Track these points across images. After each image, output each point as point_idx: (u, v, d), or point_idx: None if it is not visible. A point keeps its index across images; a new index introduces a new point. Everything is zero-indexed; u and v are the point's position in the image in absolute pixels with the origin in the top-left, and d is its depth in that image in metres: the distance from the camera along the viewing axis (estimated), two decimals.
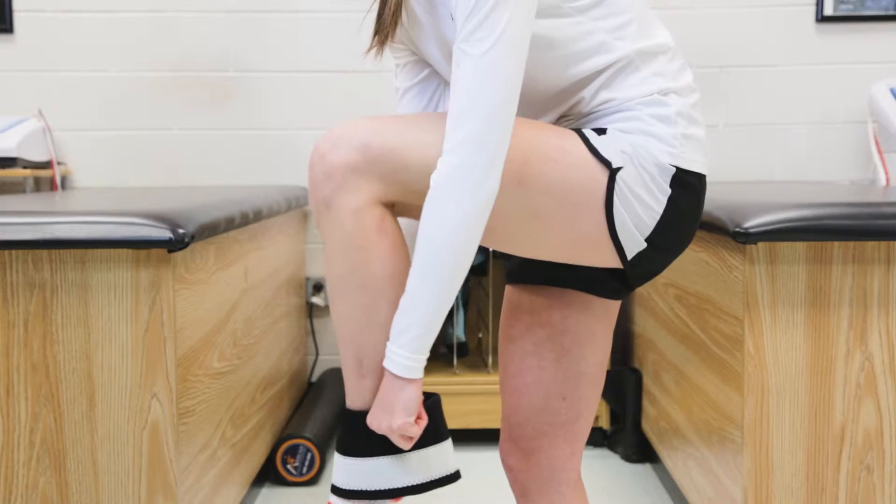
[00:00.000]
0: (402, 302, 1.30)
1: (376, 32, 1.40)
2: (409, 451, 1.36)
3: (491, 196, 1.26)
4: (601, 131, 1.38)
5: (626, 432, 3.10)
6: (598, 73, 1.37)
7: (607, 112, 1.39)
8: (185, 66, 3.57)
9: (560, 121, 1.46)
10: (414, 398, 1.31)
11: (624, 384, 3.08)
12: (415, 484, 1.37)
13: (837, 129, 3.58)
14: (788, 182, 3.43)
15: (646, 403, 3.01)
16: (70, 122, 3.56)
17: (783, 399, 1.85)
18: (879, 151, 3.29)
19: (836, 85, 3.56)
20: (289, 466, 2.88)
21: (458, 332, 3.29)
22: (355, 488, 1.36)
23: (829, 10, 3.53)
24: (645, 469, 3.02)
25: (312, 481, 2.90)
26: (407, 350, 1.30)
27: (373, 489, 1.36)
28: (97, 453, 1.82)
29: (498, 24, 1.23)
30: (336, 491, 1.38)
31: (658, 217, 1.37)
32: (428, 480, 1.37)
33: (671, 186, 1.36)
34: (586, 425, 1.58)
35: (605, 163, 1.35)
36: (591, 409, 1.58)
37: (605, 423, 3.24)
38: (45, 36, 3.54)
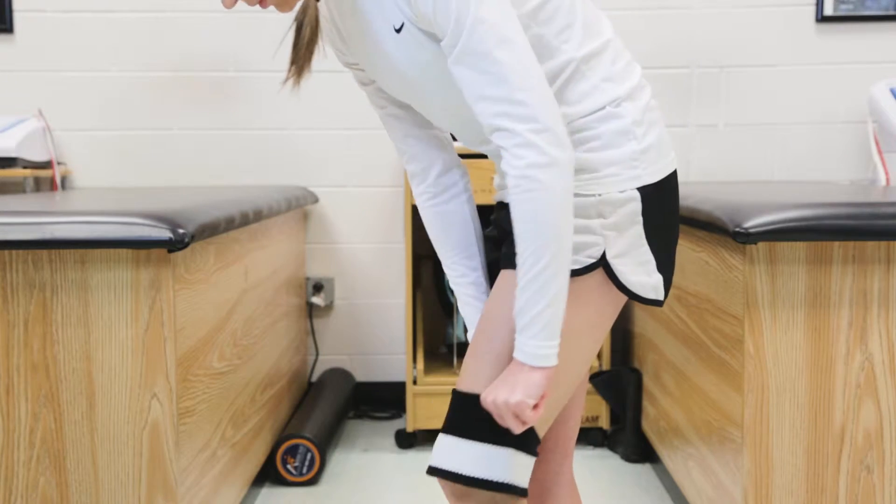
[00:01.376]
0: (522, 295, 1.28)
1: (292, 62, 1.40)
2: (506, 446, 1.35)
3: (568, 167, 1.25)
4: None
5: (626, 432, 3.10)
6: (549, 81, 1.35)
7: (567, 132, 1.38)
8: (185, 66, 3.57)
9: None
10: (540, 384, 1.30)
11: (624, 384, 3.08)
12: (494, 480, 1.36)
13: (837, 129, 3.58)
14: (788, 182, 3.43)
15: (646, 403, 3.01)
16: (70, 122, 3.56)
17: (783, 399, 1.85)
18: (879, 151, 3.29)
19: (836, 85, 3.56)
20: (289, 466, 2.88)
21: (458, 332, 3.29)
22: (459, 472, 1.36)
23: (829, 10, 3.53)
24: (645, 469, 3.02)
25: (312, 481, 2.90)
26: (539, 339, 1.28)
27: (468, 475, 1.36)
28: (97, 453, 1.82)
29: (484, 24, 1.24)
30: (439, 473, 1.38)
31: (646, 242, 1.38)
32: (505, 482, 1.36)
33: (643, 209, 1.37)
34: (575, 426, 1.58)
35: (593, 266, 1.36)
36: (580, 409, 1.58)
37: (605, 423, 3.24)
38: (45, 36, 3.54)
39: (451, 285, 1.56)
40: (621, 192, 1.36)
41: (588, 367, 1.46)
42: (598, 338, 1.44)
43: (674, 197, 1.44)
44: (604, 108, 1.37)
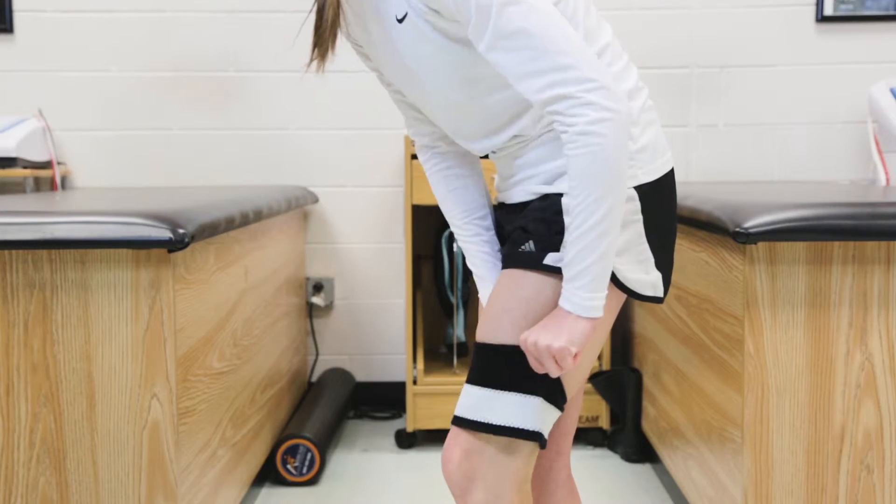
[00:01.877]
0: (573, 247, 1.28)
1: (315, 44, 1.39)
2: (536, 395, 1.36)
3: (627, 120, 1.25)
4: (556, 229, 1.36)
5: (626, 432, 3.10)
6: None
7: (558, 135, 1.38)
8: (185, 66, 3.57)
9: (513, 140, 1.44)
10: (585, 333, 1.31)
11: (624, 384, 3.08)
12: (524, 428, 1.37)
13: (837, 129, 3.59)
14: (788, 182, 3.43)
15: (646, 403, 3.01)
16: (70, 122, 3.56)
17: (783, 399, 1.85)
18: (879, 151, 3.29)
19: (836, 85, 3.56)
20: (289, 466, 2.88)
21: (458, 332, 3.29)
22: (479, 419, 1.37)
23: (829, 10, 3.53)
24: (645, 469, 3.02)
25: (312, 481, 2.90)
26: (588, 291, 1.29)
27: (493, 423, 1.36)
28: (97, 453, 1.82)
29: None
30: (464, 423, 1.38)
31: (645, 240, 1.39)
32: (535, 430, 1.37)
33: (641, 208, 1.38)
34: (571, 424, 1.59)
35: None
36: (577, 408, 1.59)
37: (605, 423, 3.23)
38: (45, 36, 3.54)
39: (463, 243, 1.56)
40: None
41: (592, 363, 1.47)
42: (601, 335, 1.44)
43: (671, 195, 1.45)
44: None
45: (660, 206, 1.41)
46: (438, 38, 1.33)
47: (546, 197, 1.40)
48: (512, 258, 1.41)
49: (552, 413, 1.38)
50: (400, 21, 1.33)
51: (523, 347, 1.33)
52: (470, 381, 1.40)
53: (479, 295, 1.57)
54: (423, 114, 1.55)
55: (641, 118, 1.41)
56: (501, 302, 1.39)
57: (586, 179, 1.26)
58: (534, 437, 1.37)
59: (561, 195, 1.36)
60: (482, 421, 1.37)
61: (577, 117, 1.24)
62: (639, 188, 1.38)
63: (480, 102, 1.39)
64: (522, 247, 1.39)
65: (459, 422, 1.39)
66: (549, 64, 1.24)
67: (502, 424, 1.36)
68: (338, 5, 1.35)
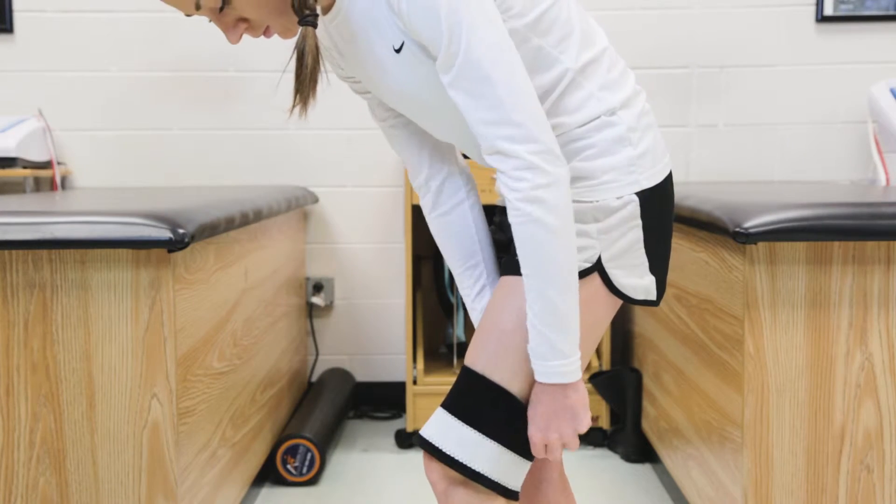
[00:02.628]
0: (538, 325, 1.29)
1: (297, 91, 1.40)
2: (512, 450, 1.37)
3: (567, 183, 1.27)
4: None
5: (626, 432, 3.10)
6: (547, 93, 1.37)
7: (562, 143, 1.38)
8: (185, 66, 3.57)
9: None
10: (586, 394, 1.35)
11: (624, 384, 3.08)
12: (497, 481, 1.38)
13: (837, 129, 3.59)
14: (788, 182, 3.43)
15: (646, 403, 3.00)
16: (70, 122, 3.56)
17: (783, 399, 1.85)
18: (879, 151, 3.29)
19: (836, 85, 3.56)
20: (289, 466, 2.88)
21: (458, 332, 3.29)
22: (455, 457, 1.37)
23: (829, 10, 3.53)
24: (645, 469, 3.02)
25: (312, 481, 2.90)
26: (570, 358, 1.31)
27: (469, 465, 1.37)
28: (97, 453, 1.82)
29: (476, 49, 1.24)
30: (432, 449, 1.38)
31: (643, 245, 1.40)
32: (502, 484, 1.38)
33: (641, 213, 1.39)
34: None
35: (588, 270, 1.38)
36: None
37: (605, 423, 3.24)
38: (45, 36, 3.54)
39: (462, 291, 1.57)
40: (619, 197, 1.37)
41: (584, 364, 1.47)
42: (594, 340, 1.45)
43: (669, 199, 1.46)
44: (599, 117, 1.38)
45: (658, 210, 1.42)
46: (431, 62, 1.33)
47: None
48: (507, 266, 1.42)
49: (524, 465, 1.39)
50: (398, 51, 1.33)
51: (543, 447, 1.35)
52: (447, 406, 1.39)
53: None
54: (418, 144, 1.54)
55: (640, 123, 1.41)
56: (494, 316, 1.39)
57: (535, 252, 1.27)
58: (508, 494, 1.38)
59: None
60: (456, 459, 1.36)
61: (521, 182, 1.25)
62: (640, 194, 1.38)
63: None
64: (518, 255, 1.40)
65: (431, 448, 1.38)
66: (504, 116, 1.25)
67: (478, 472, 1.36)
68: (317, 51, 1.36)
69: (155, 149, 3.59)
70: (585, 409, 1.34)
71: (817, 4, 3.54)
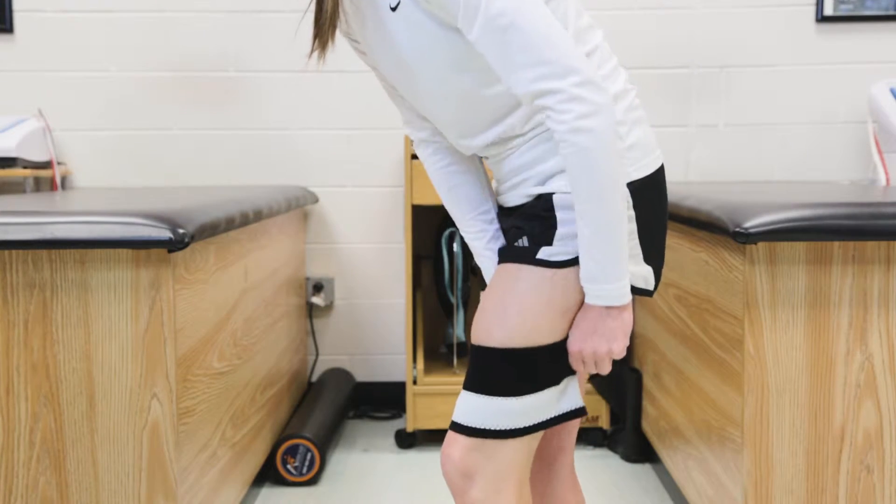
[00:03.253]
0: (591, 248, 1.32)
1: (315, 36, 1.41)
2: (554, 385, 1.40)
3: (612, 109, 1.29)
4: (549, 224, 1.39)
5: (626, 432, 3.10)
6: None
7: (549, 137, 1.39)
8: (185, 66, 3.57)
9: (501, 140, 1.45)
10: (631, 320, 1.38)
11: (624, 384, 3.08)
12: (565, 412, 1.43)
13: (837, 129, 3.58)
14: (788, 182, 3.43)
15: (646, 403, 3.01)
16: (70, 122, 3.56)
17: (783, 399, 1.85)
18: (879, 151, 3.29)
19: (836, 85, 3.56)
20: (289, 466, 2.88)
21: (458, 332, 3.29)
22: (506, 427, 1.39)
23: (829, 10, 3.53)
24: (645, 469, 3.02)
25: (312, 481, 2.90)
26: (618, 283, 1.34)
27: (530, 424, 1.40)
28: (97, 453, 1.82)
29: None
30: (481, 433, 1.39)
31: (637, 236, 1.41)
32: (574, 408, 1.43)
33: (633, 203, 1.40)
34: (574, 421, 1.59)
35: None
36: None
37: (605, 423, 3.24)
38: (45, 36, 3.54)
39: (469, 240, 1.58)
40: None
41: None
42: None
43: (661, 190, 1.47)
44: None
45: (650, 201, 1.43)
46: (432, 25, 1.34)
47: (539, 197, 1.42)
48: (506, 253, 1.43)
49: (573, 382, 1.43)
50: (393, 9, 1.34)
51: (579, 359, 1.38)
52: (467, 387, 1.41)
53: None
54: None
55: (628, 117, 1.42)
56: (496, 299, 1.41)
57: (586, 179, 1.29)
58: (534, 429, 1.40)
59: (552, 194, 1.39)
60: (480, 427, 1.38)
61: (566, 114, 1.26)
62: (630, 185, 1.40)
63: (473, 96, 1.40)
64: (517, 242, 1.41)
65: (458, 427, 1.41)
66: (536, 57, 1.26)
67: (501, 429, 1.38)
68: None
69: (155, 149, 3.59)
70: (624, 336, 1.37)
71: (817, 4, 3.54)
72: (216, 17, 3.56)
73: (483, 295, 1.46)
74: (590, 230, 1.31)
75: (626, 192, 1.36)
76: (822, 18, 3.53)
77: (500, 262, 1.45)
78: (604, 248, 1.32)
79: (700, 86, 3.58)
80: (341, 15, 1.41)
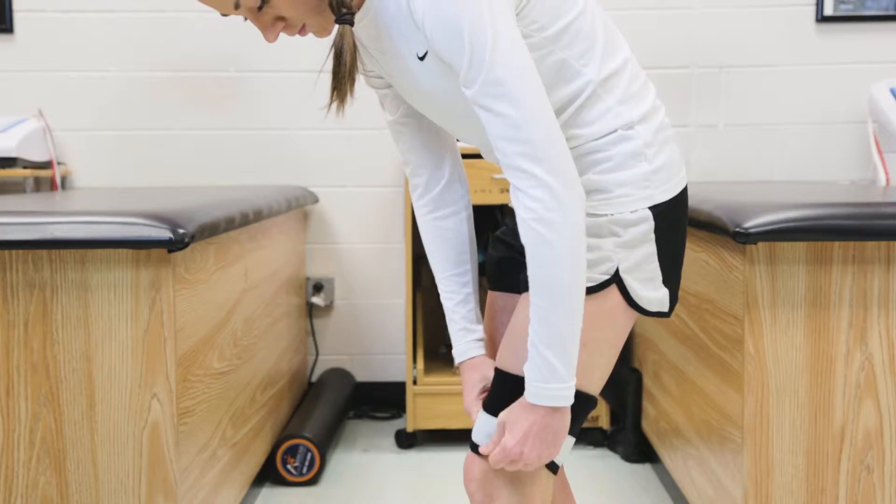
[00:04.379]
0: (543, 346, 1.29)
1: (334, 89, 1.42)
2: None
3: (581, 207, 1.27)
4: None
5: (626, 432, 3.10)
6: (566, 105, 1.37)
7: (577, 154, 1.38)
8: (185, 66, 3.57)
9: None
10: (568, 422, 1.35)
11: (624, 384, 3.08)
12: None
13: (837, 129, 3.58)
14: (788, 182, 3.43)
15: (646, 403, 3.01)
16: (70, 122, 3.56)
17: (783, 399, 1.85)
18: (879, 151, 3.29)
19: (836, 85, 3.56)
20: (289, 466, 2.88)
21: None
22: None
23: (829, 10, 3.53)
24: (645, 469, 3.02)
25: (312, 481, 2.90)
26: (570, 382, 1.31)
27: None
28: (97, 453, 1.82)
29: (500, 64, 1.24)
30: None
31: (657, 259, 1.40)
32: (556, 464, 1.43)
33: (655, 227, 1.39)
34: None
35: (607, 282, 1.38)
36: None
37: (605, 423, 3.24)
38: (45, 36, 3.54)
39: (442, 299, 1.57)
40: (633, 211, 1.37)
41: (604, 381, 1.47)
42: (614, 354, 1.46)
43: (683, 212, 1.45)
44: (615, 130, 1.37)
45: (673, 223, 1.42)
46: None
47: None
48: (527, 283, 1.42)
49: (568, 441, 1.41)
50: (421, 59, 1.34)
51: (512, 460, 1.34)
52: (487, 409, 1.42)
53: (454, 352, 1.57)
54: (423, 146, 1.55)
55: (657, 138, 1.40)
56: (523, 328, 1.39)
57: (544, 273, 1.27)
58: (549, 467, 1.41)
59: None
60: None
61: (535, 201, 1.25)
62: (654, 208, 1.38)
63: None
64: None
65: (476, 450, 1.42)
66: (522, 136, 1.25)
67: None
68: (355, 50, 1.37)
69: (155, 149, 3.59)
70: (564, 437, 1.35)
71: (817, 4, 3.54)
72: (216, 18, 3.56)
73: (512, 320, 1.45)
74: (541, 327, 1.28)
75: (583, 293, 1.32)
76: (822, 18, 3.53)
77: (524, 290, 1.44)
78: (559, 346, 1.28)
79: (700, 86, 3.58)
80: (360, 66, 1.40)
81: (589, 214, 1.35)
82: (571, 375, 1.30)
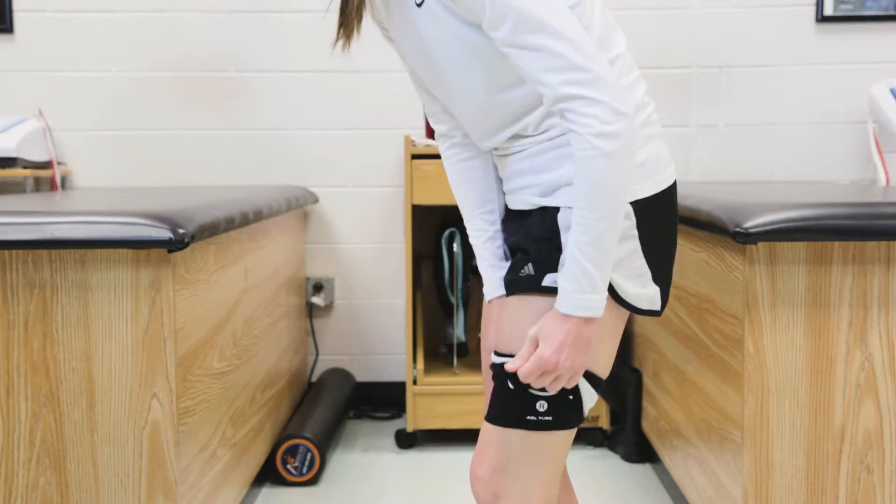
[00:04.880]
0: (582, 257, 1.30)
1: (340, 25, 1.42)
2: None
3: (633, 120, 1.29)
4: (555, 247, 1.39)
5: (626, 432, 3.10)
6: None
7: (559, 145, 1.39)
8: (185, 66, 3.57)
9: (513, 140, 1.45)
10: (594, 337, 1.36)
11: (624, 384, 3.08)
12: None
13: (837, 129, 3.58)
14: (788, 182, 3.43)
15: (646, 403, 3.01)
16: (70, 122, 3.56)
17: (783, 399, 1.85)
18: (879, 151, 3.29)
19: (836, 85, 3.56)
20: (289, 466, 2.88)
21: (458, 332, 3.29)
22: None
23: (829, 10, 3.53)
24: (645, 469, 3.02)
25: (312, 481, 2.90)
26: (603, 294, 1.33)
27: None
28: (97, 453, 1.82)
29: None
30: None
31: (643, 255, 1.40)
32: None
33: (637, 223, 1.39)
34: None
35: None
36: None
37: (605, 423, 3.24)
38: (45, 36, 3.54)
39: (471, 237, 1.59)
40: None
41: (609, 369, 1.48)
42: (613, 342, 1.46)
43: (671, 210, 1.45)
44: None
45: (658, 220, 1.42)
46: (454, 23, 1.35)
47: (544, 210, 1.41)
48: (513, 284, 1.43)
49: (591, 397, 1.43)
50: (419, 5, 1.35)
51: (548, 370, 1.34)
52: (493, 421, 1.43)
53: (484, 290, 1.59)
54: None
55: (642, 133, 1.41)
56: (511, 322, 1.41)
57: (596, 186, 1.28)
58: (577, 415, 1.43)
59: (558, 209, 1.38)
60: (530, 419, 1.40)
61: (590, 118, 1.26)
62: (635, 203, 1.38)
63: (493, 94, 1.40)
64: (522, 271, 1.41)
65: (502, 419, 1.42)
66: (565, 63, 1.26)
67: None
68: None
69: (155, 149, 3.59)
70: (594, 347, 1.36)
71: (817, 4, 3.54)
72: (216, 17, 3.56)
73: (497, 330, 1.46)
74: (586, 238, 1.30)
75: (629, 208, 1.35)
76: (822, 18, 3.53)
77: (507, 293, 1.44)
78: (599, 257, 1.30)
79: (700, 86, 3.58)
80: (368, 4, 1.41)
81: (567, 208, 1.36)
82: (605, 288, 1.33)
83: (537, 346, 1.34)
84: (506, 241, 1.55)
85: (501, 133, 1.44)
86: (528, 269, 1.40)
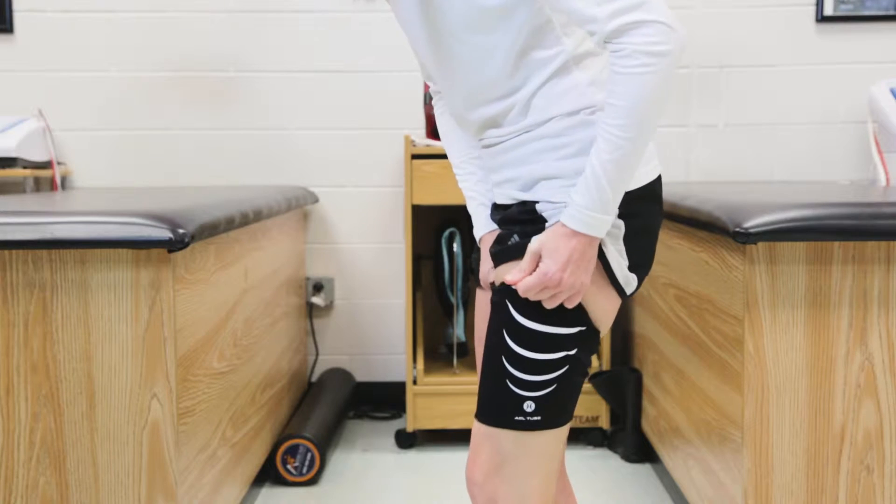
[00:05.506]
0: (601, 174, 1.29)
1: None
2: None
3: (683, 47, 1.28)
4: (538, 219, 1.39)
5: (626, 432, 3.10)
6: (539, 68, 1.37)
7: (538, 137, 1.39)
8: (185, 66, 3.57)
9: (496, 123, 1.45)
10: (595, 257, 1.36)
11: (624, 384, 3.08)
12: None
13: (837, 129, 3.58)
14: (788, 182, 3.43)
15: (646, 403, 3.01)
16: (70, 122, 3.56)
17: (783, 399, 1.85)
18: (879, 151, 3.29)
19: (836, 85, 3.56)
20: (289, 466, 2.88)
21: (459, 332, 3.29)
22: None
23: (829, 10, 3.53)
24: (645, 469, 3.02)
25: (312, 481, 2.90)
26: (612, 216, 1.33)
27: None
28: (97, 453, 1.82)
29: None
30: None
31: (623, 243, 1.40)
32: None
33: (620, 213, 1.39)
34: None
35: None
36: None
37: (605, 423, 3.23)
38: (45, 36, 3.54)
39: (460, 182, 1.61)
40: None
41: (608, 326, 1.47)
42: (612, 306, 1.44)
43: (652, 206, 1.44)
44: (578, 112, 1.37)
45: (640, 212, 1.41)
46: None
47: (524, 204, 1.42)
48: (501, 254, 1.43)
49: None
50: None
51: (551, 286, 1.33)
52: (483, 420, 1.43)
53: (474, 230, 1.60)
54: None
55: None
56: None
57: (634, 100, 1.27)
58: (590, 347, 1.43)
59: (536, 203, 1.39)
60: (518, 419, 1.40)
61: (645, 36, 1.25)
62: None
63: (480, 61, 1.39)
64: (509, 242, 1.41)
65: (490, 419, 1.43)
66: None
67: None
68: None
69: (155, 149, 3.59)
70: (593, 268, 1.35)
71: (817, 4, 3.54)
72: (216, 17, 3.56)
73: (482, 312, 1.47)
74: (611, 156, 1.29)
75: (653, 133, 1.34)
76: (822, 18, 3.53)
77: (496, 264, 1.44)
78: (616, 179, 1.30)
79: (700, 86, 3.58)
80: None
81: (546, 202, 1.37)
82: (615, 212, 1.33)
83: (538, 261, 1.34)
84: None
85: (485, 108, 1.43)
86: (515, 238, 1.40)
